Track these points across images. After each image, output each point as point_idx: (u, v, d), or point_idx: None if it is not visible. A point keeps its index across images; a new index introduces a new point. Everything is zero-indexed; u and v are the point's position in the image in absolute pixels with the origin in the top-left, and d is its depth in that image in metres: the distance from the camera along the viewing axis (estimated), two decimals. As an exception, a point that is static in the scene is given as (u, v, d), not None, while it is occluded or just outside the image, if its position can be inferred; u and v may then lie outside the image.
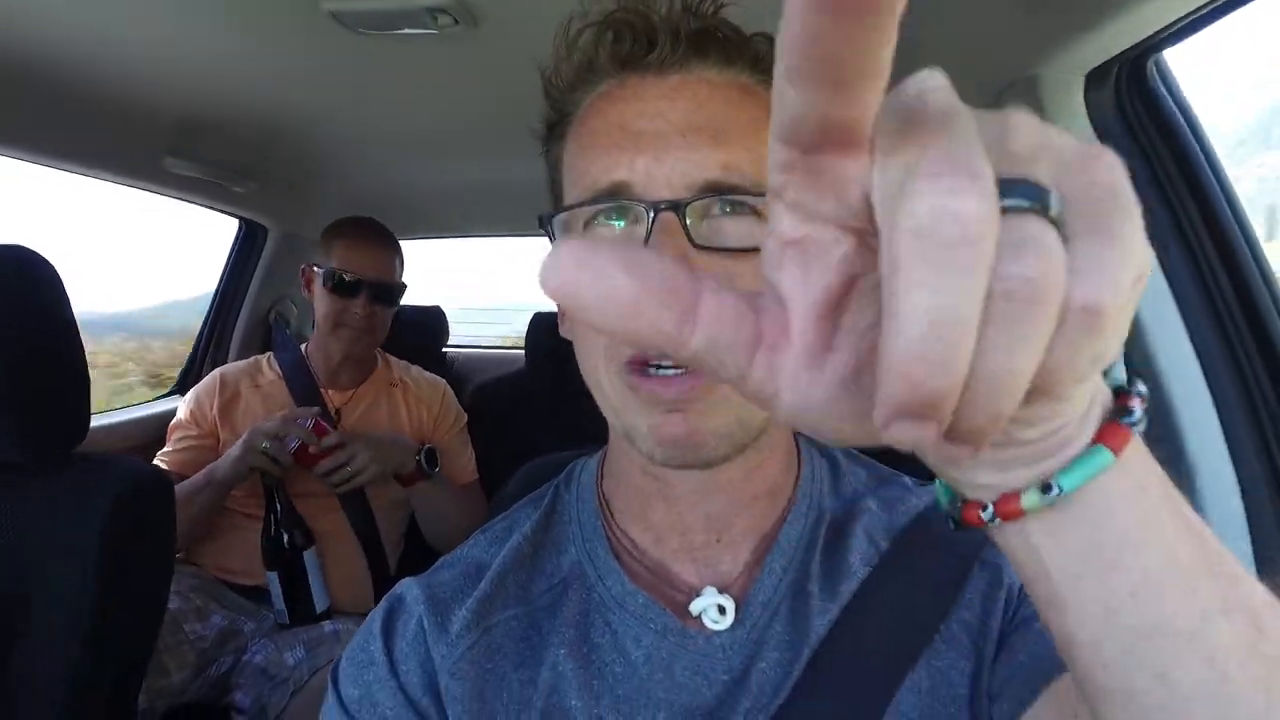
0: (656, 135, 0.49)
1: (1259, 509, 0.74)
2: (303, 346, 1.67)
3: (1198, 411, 0.76)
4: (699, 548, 0.55)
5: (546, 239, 0.55)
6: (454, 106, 1.45)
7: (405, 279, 1.68)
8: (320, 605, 1.42)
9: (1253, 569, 0.74)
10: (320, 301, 1.58)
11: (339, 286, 1.53)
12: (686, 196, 0.47)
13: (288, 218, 1.98)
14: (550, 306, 1.90)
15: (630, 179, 0.48)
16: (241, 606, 1.46)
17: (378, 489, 1.57)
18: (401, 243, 1.67)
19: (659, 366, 0.48)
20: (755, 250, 0.48)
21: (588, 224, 0.51)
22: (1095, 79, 0.80)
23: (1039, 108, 0.82)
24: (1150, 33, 0.69)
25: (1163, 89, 0.79)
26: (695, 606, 0.52)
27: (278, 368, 1.64)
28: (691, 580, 0.55)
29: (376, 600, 1.57)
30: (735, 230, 0.48)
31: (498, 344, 2.64)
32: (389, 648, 0.56)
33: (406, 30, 1.07)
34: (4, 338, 0.86)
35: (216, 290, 2.03)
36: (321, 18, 1.04)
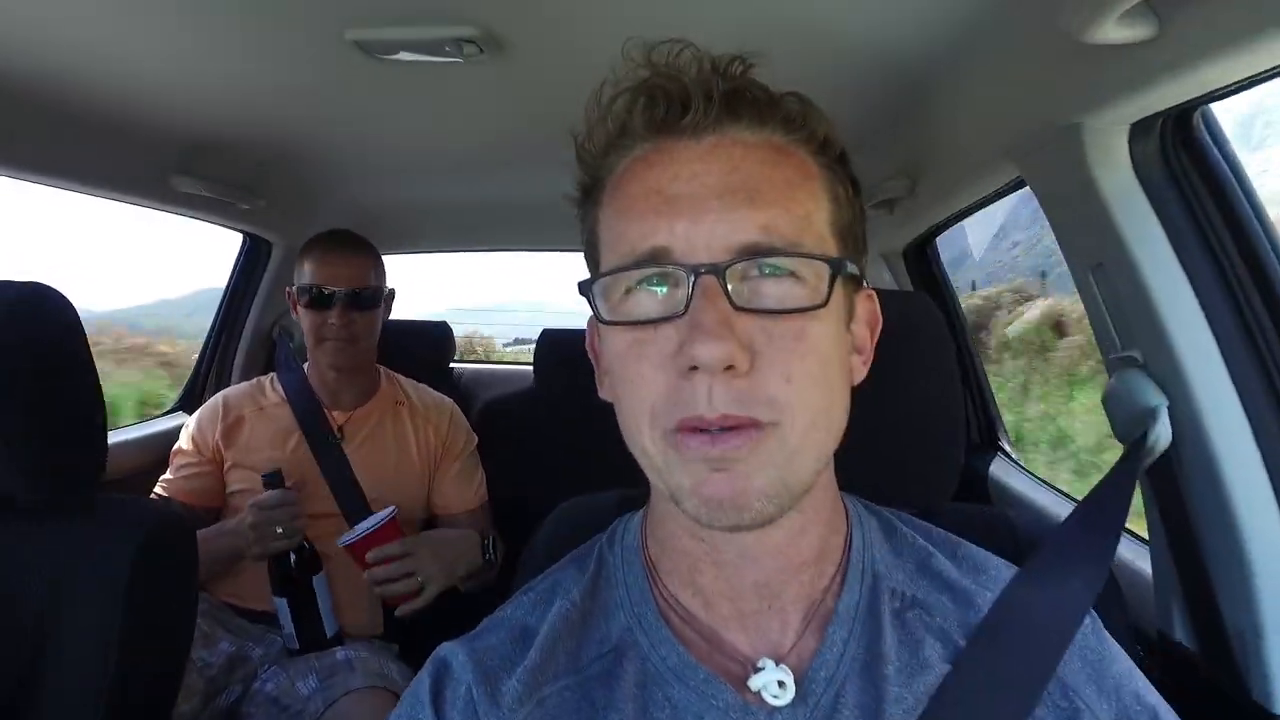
0: (693, 199, 0.50)
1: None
2: (305, 366, 1.66)
3: (1247, 474, 0.75)
4: (750, 615, 0.55)
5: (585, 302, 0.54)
6: (469, 127, 1.44)
7: (390, 284, 1.67)
8: (330, 630, 1.40)
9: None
10: (302, 319, 1.57)
11: (312, 301, 1.53)
12: (725, 259, 0.48)
13: (294, 232, 1.95)
14: (558, 323, 1.89)
15: (669, 244, 0.49)
16: (248, 632, 1.44)
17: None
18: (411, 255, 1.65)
19: (703, 430, 0.48)
20: (793, 311, 0.48)
21: (629, 289, 0.51)
22: (1140, 129, 0.79)
23: (1081, 156, 0.81)
24: (1204, 93, 0.69)
25: (1209, 140, 0.78)
26: (755, 683, 0.52)
27: (280, 390, 1.62)
28: (745, 650, 0.55)
29: (386, 623, 1.56)
30: (774, 291, 0.49)
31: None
32: (440, 718, 0.54)
33: (431, 58, 1.05)
34: (22, 375, 0.84)
35: (220, 305, 2.00)
36: (344, 46, 1.02)
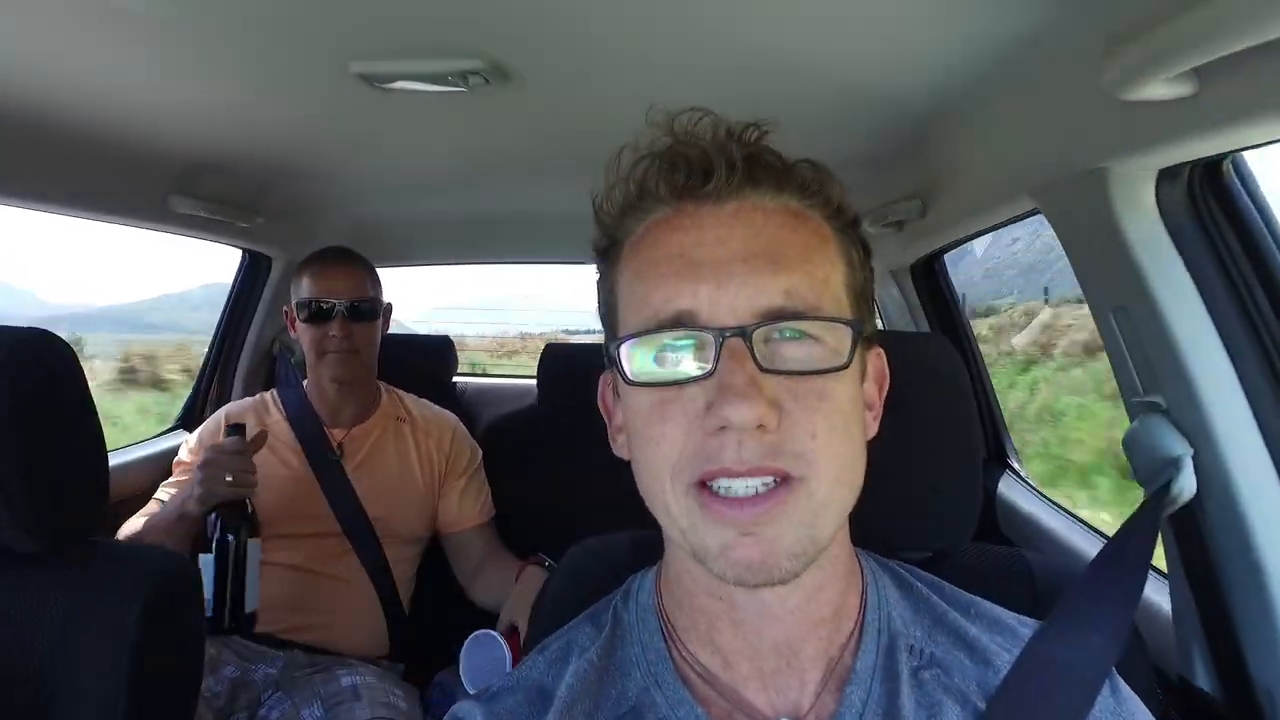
0: (717, 263, 0.51)
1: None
2: (305, 384, 1.64)
3: (1275, 528, 0.74)
4: (769, 674, 0.55)
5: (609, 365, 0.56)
6: (471, 148, 1.43)
7: (387, 298, 1.66)
8: (251, 604, 1.29)
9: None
10: (302, 335, 1.57)
11: (313, 315, 1.53)
12: (751, 323, 0.49)
13: (294, 248, 1.93)
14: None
15: (694, 308, 0.50)
16: (252, 654, 1.43)
17: (390, 529, 1.55)
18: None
19: (728, 486, 0.49)
20: (815, 372, 0.50)
21: (653, 351, 0.52)
22: (1167, 175, 0.78)
23: (1105, 199, 0.79)
24: (1237, 147, 0.67)
25: (1239, 186, 0.77)
26: None
27: (282, 406, 1.61)
28: (765, 710, 0.55)
29: (392, 643, 1.53)
30: (796, 354, 0.50)
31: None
32: None
33: (437, 88, 1.03)
34: (21, 422, 0.82)
35: (220, 320, 1.98)
36: (349, 77, 0.99)
